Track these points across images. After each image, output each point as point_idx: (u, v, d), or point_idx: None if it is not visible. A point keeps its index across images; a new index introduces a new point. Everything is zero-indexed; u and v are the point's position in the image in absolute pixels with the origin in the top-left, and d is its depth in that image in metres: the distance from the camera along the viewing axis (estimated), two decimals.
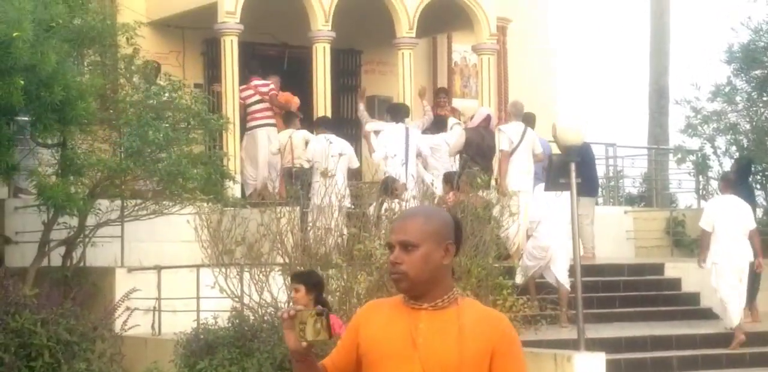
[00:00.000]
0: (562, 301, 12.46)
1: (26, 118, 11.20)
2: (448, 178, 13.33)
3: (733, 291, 12.56)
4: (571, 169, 10.34)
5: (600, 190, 18.36)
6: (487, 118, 15.19)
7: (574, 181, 10.32)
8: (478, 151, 14.68)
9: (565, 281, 12.40)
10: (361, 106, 16.35)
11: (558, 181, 10.73)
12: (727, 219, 12.71)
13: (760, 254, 12.94)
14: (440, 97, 17.54)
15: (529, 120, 15.11)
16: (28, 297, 8.80)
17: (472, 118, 15.85)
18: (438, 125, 15.92)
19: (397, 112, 15.23)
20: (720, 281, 12.64)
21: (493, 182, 13.89)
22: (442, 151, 15.19)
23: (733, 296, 12.53)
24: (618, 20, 52.87)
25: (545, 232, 12.37)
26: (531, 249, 12.49)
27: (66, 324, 9.40)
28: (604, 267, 14.92)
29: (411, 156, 14.48)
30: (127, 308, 10.83)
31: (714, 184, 18.19)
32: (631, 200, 21.39)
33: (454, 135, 15.34)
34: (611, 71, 49.75)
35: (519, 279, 12.23)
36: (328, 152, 13.72)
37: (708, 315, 13.61)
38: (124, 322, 10.58)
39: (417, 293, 3.77)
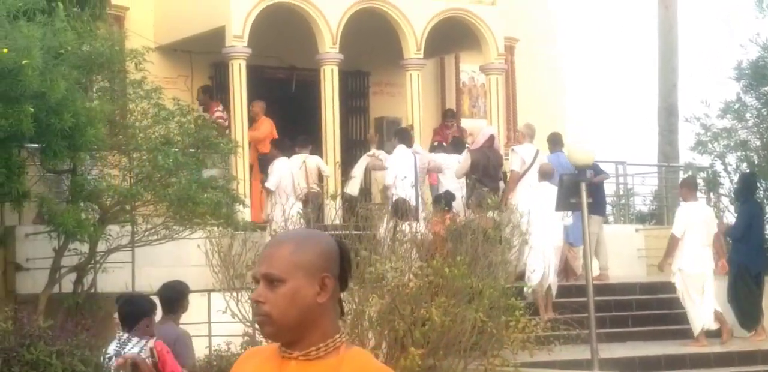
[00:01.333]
0: (549, 301, 13.04)
1: (36, 145, 11.22)
2: (438, 200, 13.38)
3: (697, 296, 12.92)
4: (581, 188, 10.34)
5: (610, 208, 18.33)
6: (491, 138, 15.17)
7: (585, 200, 10.33)
8: (485, 172, 14.69)
9: (554, 283, 13.25)
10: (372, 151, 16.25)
11: (568, 201, 10.72)
12: (698, 226, 13.09)
13: (722, 256, 13.43)
14: (447, 119, 17.53)
15: (556, 140, 15.19)
16: (42, 328, 8.79)
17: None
18: (457, 147, 15.95)
19: (405, 136, 15.30)
20: (687, 287, 12.98)
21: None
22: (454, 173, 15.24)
23: (698, 302, 12.88)
24: (626, 37, 52.89)
25: (535, 237, 12.58)
26: (528, 259, 12.59)
27: (81, 355, 9.38)
28: (616, 286, 14.89)
29: (419, 179, 14.56)
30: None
31: (725, 201, 18.15)
32: (641, 218, 21.34)
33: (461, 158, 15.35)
34: (620, 89, 49.73)
35: (528, 291, 12.64)
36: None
37: (722, 333, 13.53)
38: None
39: (286, 339, 3.06)
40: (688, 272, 12.93)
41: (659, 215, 21.09)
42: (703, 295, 12.95)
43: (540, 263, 12.83)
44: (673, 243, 13.11)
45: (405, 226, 10.82)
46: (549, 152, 15.11)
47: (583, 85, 41.03)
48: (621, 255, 16.60)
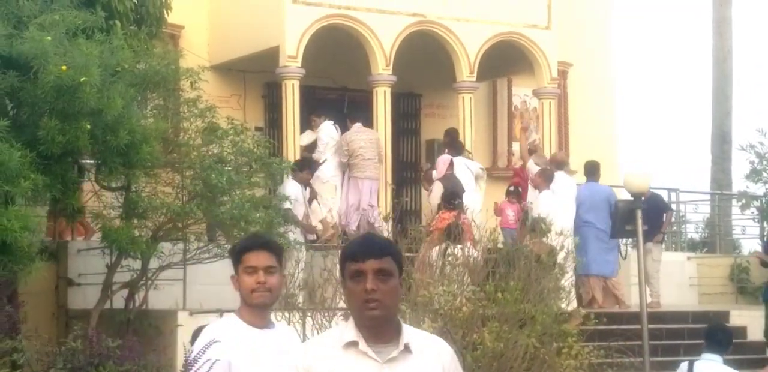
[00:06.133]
0: None
1: (91, 162, 11.27)
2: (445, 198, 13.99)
3: None
4: (637, 216, 10.24)
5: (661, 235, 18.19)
6: (451, 165, 15.39)
7: (640, 228, 10.23)
8: (456, 192, 14.96)
9: None
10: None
11: (624, 228, 10.63)
12: None
13: None
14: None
15: (592, 170, 15.18)
16: (111, 348, 8.84)
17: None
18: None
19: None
20: None
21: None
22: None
23: None
24: (681, 64, 52.68)
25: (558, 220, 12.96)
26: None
27: None
28: (668, 314, 14.74)
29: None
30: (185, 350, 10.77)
31: None
32: (693, 246, 21.13)
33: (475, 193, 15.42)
34: (674, 115, 49.46)
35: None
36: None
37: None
38: None
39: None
40: None
41: (711, 243, 20.87)
42: None
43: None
44: None
45: (457, 249, 10.75)
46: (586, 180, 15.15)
47: (636, 112, 40.86)
48: (672, 283, 16.44)
